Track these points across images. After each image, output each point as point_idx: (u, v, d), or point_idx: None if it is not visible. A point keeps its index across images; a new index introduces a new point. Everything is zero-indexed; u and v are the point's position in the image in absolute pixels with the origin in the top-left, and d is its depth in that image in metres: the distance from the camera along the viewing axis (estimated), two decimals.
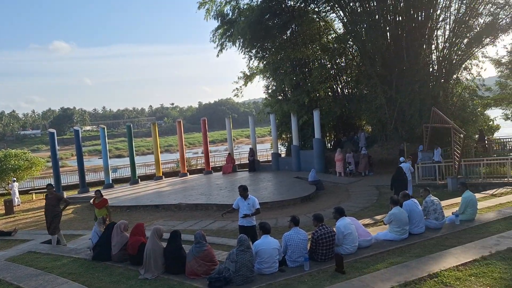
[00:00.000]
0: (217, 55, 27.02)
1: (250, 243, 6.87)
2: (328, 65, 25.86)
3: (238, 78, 28.52)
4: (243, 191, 8.98)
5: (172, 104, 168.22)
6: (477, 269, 5.85)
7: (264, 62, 26.22)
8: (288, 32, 25.30)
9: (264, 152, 31.08)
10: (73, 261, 8.64)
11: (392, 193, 13.80)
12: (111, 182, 23.69)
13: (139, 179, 24.93)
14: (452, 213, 9.52)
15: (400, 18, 22.95)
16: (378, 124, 23.96)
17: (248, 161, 26.39)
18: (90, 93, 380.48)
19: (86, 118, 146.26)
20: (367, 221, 11.91)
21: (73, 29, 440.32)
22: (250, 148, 27.01)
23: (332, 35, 26.40)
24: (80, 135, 23.21)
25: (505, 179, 15.52)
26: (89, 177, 26.74)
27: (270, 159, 27.09)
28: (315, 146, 23.25)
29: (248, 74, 28.15)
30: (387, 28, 23.21)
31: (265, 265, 6.79)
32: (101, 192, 12.81)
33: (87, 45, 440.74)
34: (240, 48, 25.46)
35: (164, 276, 7.12)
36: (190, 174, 26.41)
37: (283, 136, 28.12)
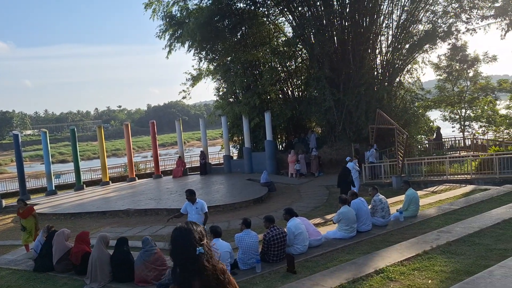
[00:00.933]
0: (167, 57, 26.48)
1: None
2: (279, 68, 26.16)
3: (186, 79, 28.04)
4: (190, 195, 8.83)
5: (120, 106, 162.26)
6: (420, 263, 6.10)
7: (215, 64, 26.04)
8: (239, 34, 25.30)
9: (216, 154, 30.88)
10: (12, 273, 8.08)
11: (340, 191, 14.30)
12: (54, 188, 22.53)
13: (85, 185, 23.91)
14: (397, 210, 9.92)
15: (346, 23, 23.71)
16: (327, 126, 24.57)
17: (199, 164, 26.07)
18: (31, 96, 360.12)
19: (26, 122, 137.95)
20: (318, 220, 12.14)
21: (10, 28, 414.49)
22: (201, 150, 26.72)
23: (282, 38, 26.74)
24: (20, 140, 21.89)
25: (444, 177, 16.43)
26: (31, 184, 25.24)
27: (222, 161, 26.96)
28: (267, 148, 23.42)
29: (195, 75, 27.74)
30: (334, 33, 23.87)
31: None
32: (25, 200, 12.03)
33: (27, 45, 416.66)
34: (189, 49, 25.13)
35: (112, 285, 6.82)
36: (139, 179, 25.67)
37: (235, 138, 28.05)
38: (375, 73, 24.93)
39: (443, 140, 26.01)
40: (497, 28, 24.47)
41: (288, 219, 7.86)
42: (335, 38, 23.87)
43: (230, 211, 15.32)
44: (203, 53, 25.61)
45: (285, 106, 25.56)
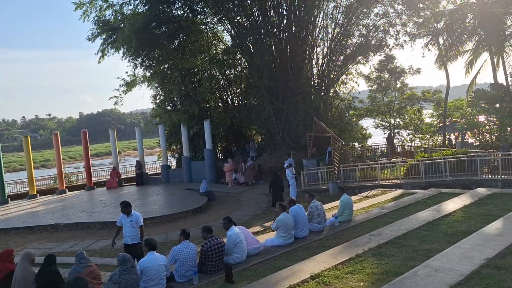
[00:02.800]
0: (99, 62, 25.39)
1: (134, 262, 6.44)
2: (218, 76, 26.11)
3: (120, 85, 27.00)
4: (125, 207, 8.48)
5: (49, 115, 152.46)
6: (353, 266, 6.29)
7: (151, 71, 25.38)
8: (176, 41, 24.93)
9: (153, 164, 30.01)
10: None
11: (271, 197, 14.71)
12: None
13: (9, 199, 22.12)
14: (332, 216, 10.19)
15: (284, 35, 24.29)
16: (267, 134, 24.90)
17: (135, 175, 25.19)
18: None
19: None
20: (258, 228, 12.14)
21: None
22: (137, 160, 25.84)
23: (221, 47, 26.77)
24: None
25: (376, 182, 17.26)
26: None
27: (160, 171, 26.27)
28: (206, 156, 23.19)
29: (129, 81, 26.83)
30: (273, 43, 24.36)
31: (152, 283, 6.43)
32: None
33: None
34: (124, 55, 24.29)
35: None
36: (70, 191, 24.22)
37: (173, 147, 27.49)
38: (312, 83, 25.76)
39: (394, 144, 27.23)
40: (421, 45, 26.55)
41: (228, 228, 7.76)
42: (274, 48, 24.36)
43: (168, 222, 14.91)
44: (139, 59, 24.89)
45: (225, 115, 25.53)
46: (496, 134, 23.73)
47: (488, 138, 25.87)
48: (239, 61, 26.32)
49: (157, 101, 26.93)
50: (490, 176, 15.09)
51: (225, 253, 7.29)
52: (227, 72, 26.51)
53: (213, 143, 24.23)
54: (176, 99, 25.63)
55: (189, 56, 24.53)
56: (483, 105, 26.27)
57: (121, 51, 24.24)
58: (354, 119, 31.74)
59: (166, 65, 24.53)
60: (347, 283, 5.62)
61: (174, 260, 6.89)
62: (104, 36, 24.56)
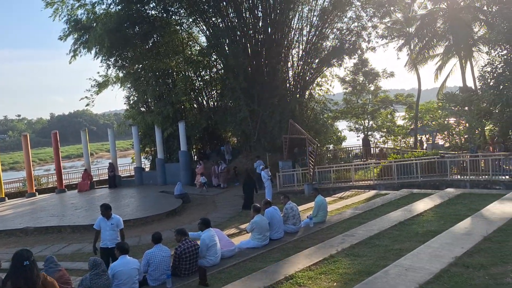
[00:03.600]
0: (70, 62, 24.76)
1: (105, 266, 6.29)
2: (193, 77, 25.92)
3: (91, 86, 26.39)
4: (106, 210, 8.26)
5: (19, 116, 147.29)
6: (326, 267, 6.33)
7: (124, 72, 24.93)
8: (150, 42, 24.59)
9: (127, 166, 29.47)
10: None
11: (244, 198, 14.80)
12: None
13: None
14: (307, 217, 10.25)
15: (260, 36, 24.36)
16: (243, 136, 24.87)
17: (108, 177, 24.67)
18: None
19: None
20: (233, 230, 12.10)
21: None
22: (110, 162, 25.32)
23: (196, 48, 26.57)
24: None
25: (350, 183, 17.49)
26: None
27: (133, 173, 25.84)
28: (181, 158, 22.95)
29: (101, 81, 26.27)
30: (248, 45, 24.37)
31: (124, 287, 6.29)
32: None
33: None
34: (96, 55, 23.76)
35: None
36: (40, 194, 23.47)
37: (147, 149, 27.11)
38: (288, 85, 25.92)
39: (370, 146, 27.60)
40: (394, 48, 27.15)
41: (203, 230, 7.68)
42: (249, 50, 24.37)
43: (142, 225, 14.66)
44: (112, 59, 24.39)
45: (200, 116, 25.35)
46: (465, 136, 24.46)
47: (457, 140, 26.66)
48: (215, 63, 26.21)
49: (131, 102, 26.48)
50: (459, 176, 15.52)
51: (199, 255, 7.21)
52: (203, 73, 26.36)
53: (188, 145, 24.02)
54: (150, 100, 25.26)
55: (163, 57, 24.23)
56: (452, 108, 27.08)
57: (93, 51, 23.70)
58: (329, 121, 32.13)
59: (140, 66, 24.15)
60: (321, 284, 5.65)
61: (148, 265, 6.77)
62: (76, 36, 23.94)
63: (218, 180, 22.00)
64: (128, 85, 26.07)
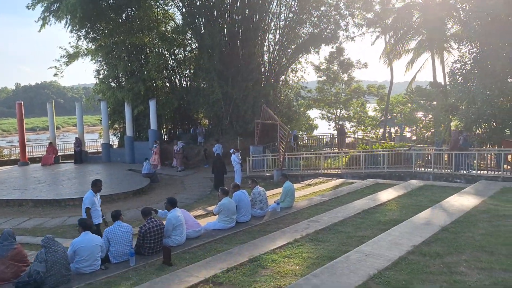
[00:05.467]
0: (39, 30, 23.59)
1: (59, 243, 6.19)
2: (167, 55, 25.33)
3: (61, 56, 25.34)
4: (101, 185, 8.49)
5: None
6: (290, 250, 6.43)
7: (96, 44, 24.04)
8: (124, 15, 23.78)
9: (94, 142, 28.78)
10: None
11: (214, 179, 15.20)
12: None
13: None
14: (275, 202, 10.36)
15: (237, 17, 23.99)
16: (215, 118, 24.68)
17: (74, 152, 24.01)
18: None
19: None
20: (200, 212, 12.11)
21: None
22: (76, 137, 24.65)
23: (171, 25, 25.91)
24: None
25: (319, 171, 17.76)
26: None
27: (101, 150, 25.26)
28: (150, 137, 22.58)
29: (72, 53, 25.27)
30: (225, 25, 23.99)
31: (85, 264, 6.24)
32: None
33: None
34: (67, 25, 22.74)
35: None
36: (1, 166, 22.65)
37: (116, 125, 26.47)
38: (263, 69, 25.78)
39: (345, 135, 27.85)
40: (371, 35, 27.44)
41: (169, 209, 7.64)
42: (226, 31, 24.01)
43: (107, 203, 14.36)
44: (83, 31, 23.41)
45: (172, 95, 24.92)
46: (432, 130, 25.26)
47: (424, 133, 27.50)
48: (189, 41, 25.71)
49: (101, 76, 25.62)
50: (423, 169, 16.02)
51: (164, 235, 7.18)
52: (176, 51, 25.82)
53: (159, 124, 23.66)
54: (121, 75, 24.55)
55: (137, 32, 23.49)
56: (421, 102, 27.80)
57: (64, 21, 22.68)
58: (302, 109, 32.38)
59: (112, 40, 23.33)
60: (284, 267, 5.73)
61: (107, 241, 6.71)
62: (46, 4, 22.80)
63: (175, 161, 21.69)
64: (99, 59, 25.19)
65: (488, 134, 15.81)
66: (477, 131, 17.44)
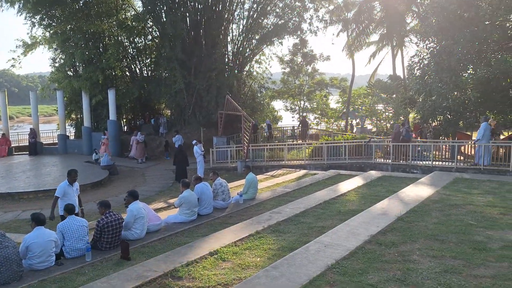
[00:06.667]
0: None
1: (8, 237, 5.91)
2: (126, 43, 24.59)
3: (17, 46, 24.06)
4: (76, 175, 8.58)
5: None
6: (252, 242, 6.42)
7: (51, 31, 22.93)
8: (81, 1, 22.80)
9: (51, 133, 27.63)
10: None
11: (176, 171, 15.05)
12: None
13: None
14: (237, 194, 10.33)
15: (200, 6, 23.55)
16: (177, 109, 24.27)
17: (28, 143, 22.97)
18: None
19: None
20: (161, 205, 11.88)
21: None
22: (31, 128, 23.56)
23: (131, 12, 25.11)
24: None
25: (283, 162, 17.89)
26: None
27: (57, 141, 24.30)
28: (109, 128, 21.92)
29: (29, 43, 24.04)
30: (187, 14, 23.52)
31: (38, 260, 5.99)
32: None
33: None
34: (20, 11, 21.52)
35: None
36: None
37: (73, 116, 25.55)
38: (227, 60, 25.57)
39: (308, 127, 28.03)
40: (335, 29, 27.74)
41: (130, 202, 7.43)
42: (188, 19, 23.56)
43: None
44: (37, 17, 22.27)
45: (133, 85, 24.28)
46: (391, 122, 26.01)
47: (384, 125, 28.31)
48: (150, 30, 25.06)
49: (57, 64, 24.53)
50: (382, 160, 16.49)
51: (124, 227, 7.00)
52: (137, 40, 25.12)
53: (118, 114, 23.03)
54: (78, 64, 23.61)
55: (94, 19, 22.58)
56: (382, 94, 28.57)
57: (16, 6, 21.46)
58: (266, 100, 32.46)
59: (69, 26, 22.32)
60: (244, 259, 5.72)
61: (62, 236, 6.46)
62: None
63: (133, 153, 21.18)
64: (55, 46, 24.09)
65: (443, 126, 16.46)
66: (434, 123, 18.11)
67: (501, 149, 13.90)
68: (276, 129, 29.75)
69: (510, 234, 6.28)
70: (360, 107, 33.03)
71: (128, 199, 7.51)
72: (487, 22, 14.15)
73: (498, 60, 13.10)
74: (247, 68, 26.88)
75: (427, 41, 17.58)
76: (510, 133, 19.04)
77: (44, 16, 22.49)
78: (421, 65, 17.38)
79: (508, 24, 14.52)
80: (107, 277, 5.34)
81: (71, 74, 23.85)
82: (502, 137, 16.49)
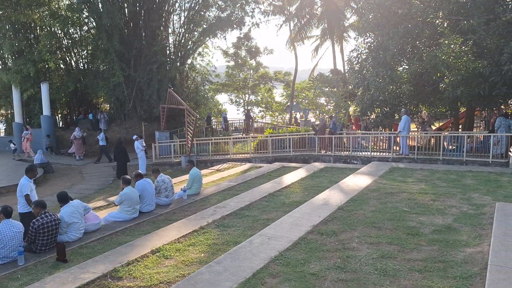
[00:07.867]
0: None
1: None
2: (60, 34, 23.20)
3: None
4: (37, 170, 8.53)
5: None
6: (195, 238, 6.34)
7: None
8: None
9: None
10: None
11: (116, 167, 14.78)
12: None
13: None
14: (181, 189, 10.14)
15: None
16: (116, 103, 23.37)
17: None
18: None
19: None
20: (101, 203, 11.38)
21: None
22: None
23: (65, 2, 23.70)
24: None
25: (228, 156, 17.85)
26: None
27: None
28: (43, 124, 20.68)
29: None
30: (125, 4, 22.64)
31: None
32: None
33: None
34: None
35: None
36: None
37: (3, 111, 23.88)
38: (168, 52, 24.97)
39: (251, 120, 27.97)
40: (275, 25, 28.08)
41: (62, 206, 7.03)
42: (126, 10, 22.71)
43: None
44: None
45: (68, 78, 23.01)
46: (333, 115, 26.87)
47: (326, 118, 29.14)
48: (86, 20, 23.80)
49: None
50: (324, 152, 16.98)
51: (59, 231, 6.62)
52: (71, 31, 23.79)
53: (52, 109, 21.79)
54: (7, 56, 22.00)
55: (24, 8, 21.06)
56: (324, 88, 29.38)
57: None
58: (210, 93, 32.17)
59: None
60: (188, 255, 5.63)
61: None
62: None
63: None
64: None
65: (381, 118, 17.23)
66: (372, 115, 18.92)
67: (432, 139, 14.83)
68: (220, 122, 29.61)
69: (439, 219, 6.72)
70: (304, 100, 33.79)
71: (59, 202, 7.13)
72: (419, 19, 14.93)
73: (429, 55, 13.87)
74: (189, 61, 26.43)
75: (364, 37, 18.25)
76: (440, 124, 20.38)
77: None
78: (360, 60, 18.03)
79: (437, 21, 15.41)
80: (41, 281, 5.06)
81: (0, 66, 22.15)
82: (433, 127, 17.62)
